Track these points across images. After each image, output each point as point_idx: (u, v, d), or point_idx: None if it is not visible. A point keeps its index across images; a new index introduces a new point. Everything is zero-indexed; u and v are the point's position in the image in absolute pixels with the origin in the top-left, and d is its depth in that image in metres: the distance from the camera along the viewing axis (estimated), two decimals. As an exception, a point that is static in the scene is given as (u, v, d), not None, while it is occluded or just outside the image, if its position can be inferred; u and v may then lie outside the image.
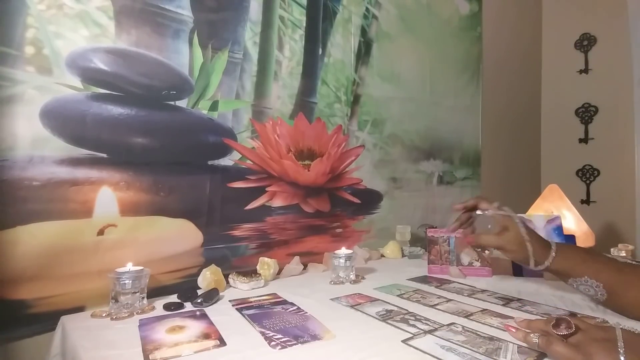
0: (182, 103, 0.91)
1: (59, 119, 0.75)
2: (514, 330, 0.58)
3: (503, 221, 0.75)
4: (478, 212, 0.81)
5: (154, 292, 0.80)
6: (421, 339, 0.60)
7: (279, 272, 1.00)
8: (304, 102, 1.14)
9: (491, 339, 0.59)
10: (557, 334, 0.52)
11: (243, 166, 1.01)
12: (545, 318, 0.59)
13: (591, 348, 0.48)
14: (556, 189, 1.32)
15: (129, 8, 0.83)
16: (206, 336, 0.62)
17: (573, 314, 0.57)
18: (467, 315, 0.70)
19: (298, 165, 1.11)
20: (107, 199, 0.80)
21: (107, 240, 0.80)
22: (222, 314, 0.72)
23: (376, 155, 1.33)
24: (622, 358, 0.45)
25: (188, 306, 0.77)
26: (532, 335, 0.54)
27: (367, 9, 1.30)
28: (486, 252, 0.99)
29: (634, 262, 0.69)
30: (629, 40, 1.93)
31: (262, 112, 1.05)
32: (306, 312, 0.73)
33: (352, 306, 0.76)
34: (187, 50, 0.91)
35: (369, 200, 1.31)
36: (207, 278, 0.86)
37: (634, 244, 1.77)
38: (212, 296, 0.79)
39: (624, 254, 1.01)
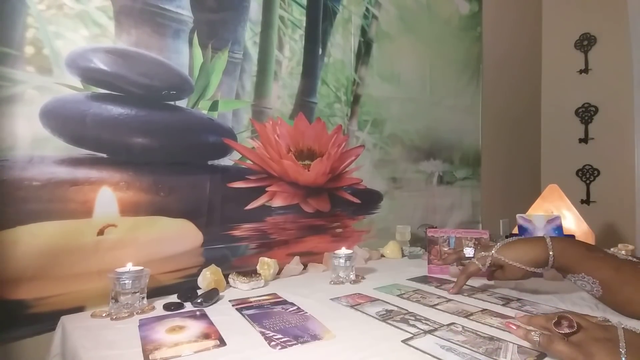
0: (182, 103, 0.91)
1: (59, 119, 0.75)
2: (514, 327, 0.57)
3: (495, 261, 0.77)
4: (466, 251, 0.91)
5: (154, 292, 0.80)
6: (421, 339, 0.60)
7: (279, 272, 1.00)
8: (304, 102, 1.14)
9: (491, 339, 0.59)
10: (559, 332, 0.51)
11: (243, 166, 1.01)
12: (546, 315, 0.58)
13: (592, 348, 0.47)
14: (556, 189, 1.32)
15: (129, 8, 0.83)
16: (206, 336, 0.62)
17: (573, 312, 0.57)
18: (467, 315, 0.70)
19: (298, 165, 1.11)
20: (107, 199, 0.80)
21: (107, 240, 0.80)
22: (222, 314, 0.72)
23: (376, 155, 1.33)
24: (623, 359, 0.45)
25: (188, 306, 0.77)
26: (533, 333, 0.53)
27: (367, 9, 1.30)
28: None
29: (634, 260, 0.69)
30: (629, 40, 1.93)
31: (262, 112, 1.05)
32: (306, 312, 0.73)
33: (352, 306, 0.76)
34: (187, 50, 0.91)
35: (369, 200, 1.31)
36: (207, 278, 0.86)
37: (634, 243, 1.78)
38: (212, 296, 0.79)
39: (624, 254, 1.01)
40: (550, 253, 0.71)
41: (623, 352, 0.45)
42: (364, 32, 1.29)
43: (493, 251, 0.77)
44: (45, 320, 0.73)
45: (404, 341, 0.59)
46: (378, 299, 0.80)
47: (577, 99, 2.11)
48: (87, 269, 0.78)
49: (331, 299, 0.81)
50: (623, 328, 0.48)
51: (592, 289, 0.69)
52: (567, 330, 0.50)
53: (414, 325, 0.65)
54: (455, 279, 0.97)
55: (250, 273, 0.91)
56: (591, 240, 1.22)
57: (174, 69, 0.90)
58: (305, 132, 1.13)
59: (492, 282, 0.93)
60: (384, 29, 1.35)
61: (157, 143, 0.87)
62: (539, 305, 0.77)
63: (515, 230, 1.11)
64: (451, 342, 0.58)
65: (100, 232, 0.79)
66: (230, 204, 0.98)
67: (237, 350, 0.57)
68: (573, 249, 0.72)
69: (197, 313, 0.73)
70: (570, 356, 0.48)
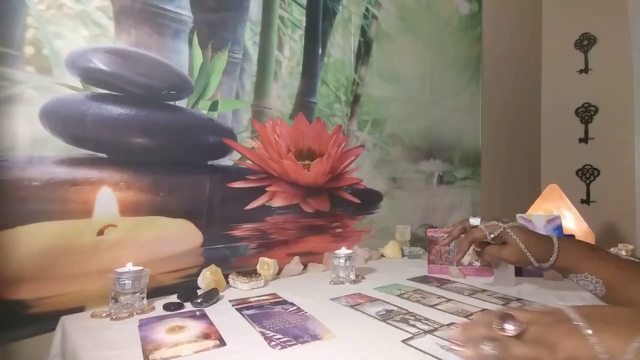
0: (182, 103, 0.91)
1: (59, 119, 0.75)
2: (461, 349, 0.46)
3: (504, 235, 0.73)
4: (471, 221, 0.80)
5: (154, 292, 0.80)
6: (421, 339, 0.60)
7: (279, 272, 0.99)
8: (304, 102, 1.14)
9: (491, 338, 0.59)
10: (508, 336, 0.43)
11: (243, 166, 1.01)
12: (475, 319, 0.49)
13: (551, 337, 0.42)
14: (556, 188, 1.31)
15: (128, 8, 0.83)
16: (206, 336, 0.62)
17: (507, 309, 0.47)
18: (467, 315, 0.70)
19: (298, 165, 1.11)
20: (107, 199, 0.80)
21: (107, 240, 0.80)
22: (222, 314, 0.73)
23: (376, 155, 1.33)
24: (589, 332, 0.39)
25: (188, 306, 0.77)
26: (484, 348, 0.43)
27: (367, 9, 1.30)
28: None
29: (636, 260, 0.69)
30: (629, 40, 1.93)
31: (262, 112, 1.05)
32: (306, 312, 0.73)
33: (352, 306, 0.76)
34: (187, 50, 0.91)
35: (369, 200, 1.31)
36: (207, 278, 0.86)
37: (634, 243, 1.77)
38: (212, 296, 0.79)
39: (624, 254, 1.01)
40: (555, 252, 0.70)
41: (583, 325, 0.40)
42: (364, 32, 1.29)
43: (507, 225, 0.73)
44: (45, 321, 0.73)
45: (404, 341, 0.59)
46: (378, 299, 0.80)
47: (577, 98, 2.11)
48: (87, 269, 0.78)
49: (331, 299, 0.81)
50: (567, 306, 0.43)
51: (595, 288, 0.69)
52: (515, 332, 0.43)
53: (414, 325, 0.65)
54: (455, 279, 0.98)
55: (250, 273, 0.91)
56: (591, 240, 1.22)
57: (174, 69, 0.90)
58: (305, 132, 1.13)
59: (490, 278, 0.93)
60: (384, 29, 1.35)
61: (157, 143, 0.87)
62: (539, 305, 0.77)
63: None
64: (451, 341, 0.58)
65: (100, 232, 0.79)
66: (230, 204, 0.98)
67: (237, 350, 0.57)
68: (577, 249, 0.71)
69: (197, 313, 0.73)
70: (534, 356, 0.42)
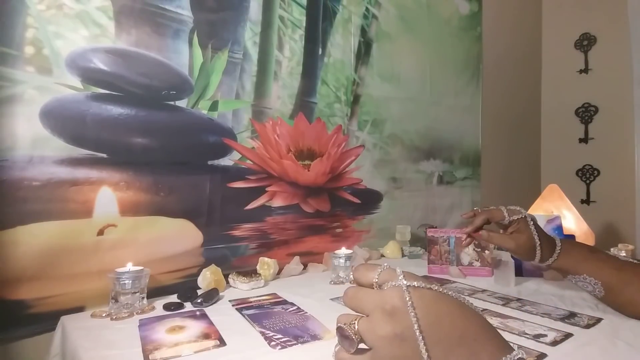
0: (182, 103, 0.91)
1: (59, 119, 0.75)
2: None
3: (521, 222, 0.72)
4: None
5: (154, 292, 0.80)
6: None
7: (279, 272, 1.00)
8: (304, 102, 1.14)
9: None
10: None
11: (243, 166, 1.01)
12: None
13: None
14: (556, 188, 1.31)
15: (128, 8, 0.83)
16: (206, 336, 0.62)
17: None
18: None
19: (298, 165, 1.11)
20: (107, 199, 0.80)
21: (107, 240, 0.80)
22: (222, 314, 0.73)
23: (376, 155, 1.33)
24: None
25: (188, 306, 0.77)
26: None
27: (367, 9, 1.30)
28: (486, 252, 0.99)
29: (635, 261, 0.69)
30: (629, 40, 1.93)
31: (262, 112, 1.05)
32: (306, 312, 0.73)
33: (352, 306, 0.76)
34: (187, 50, 0.91)
35: (369, 200, 1.31)
36: (207, 278, 0.86)
37: (634, 243, 1.77)
38: (212, 296, 0.79)
39: (624, 254, 1.01)
40: (556, 253, 0.70)
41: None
42: (364, 32, 1.29)
43: (527, 213, 0.72)
44: (45, 320, 0.73)
45: (404, 341, 0.59)
46: (378, 299, 0.80)
47: (577, 99, 2.11)
48: (87, 269, 0.78)
49: (331, 299, 0.81)
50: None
51: (593, 289, 0.69)
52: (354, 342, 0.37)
53: (414, 325, 0.65)
54: (455, 279, 0.98)
55: (250, 273, 0.91)
56: (591, 240, 1.22)
57: (174, 69, 0.90)
58: (305, 132, 1.13)
59: (490, 278, 0.93)
60: (384, 29, 1.35)
61: (157, 143, 0.87)
62: (538, 305, 0.77)
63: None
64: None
65: (100, 232, 0.79)
66: (230, 204, 0.98)
67: (237, 350, 0.57)
68: (576, 250, 0.71)
69: (197, 313, 0.73)
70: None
